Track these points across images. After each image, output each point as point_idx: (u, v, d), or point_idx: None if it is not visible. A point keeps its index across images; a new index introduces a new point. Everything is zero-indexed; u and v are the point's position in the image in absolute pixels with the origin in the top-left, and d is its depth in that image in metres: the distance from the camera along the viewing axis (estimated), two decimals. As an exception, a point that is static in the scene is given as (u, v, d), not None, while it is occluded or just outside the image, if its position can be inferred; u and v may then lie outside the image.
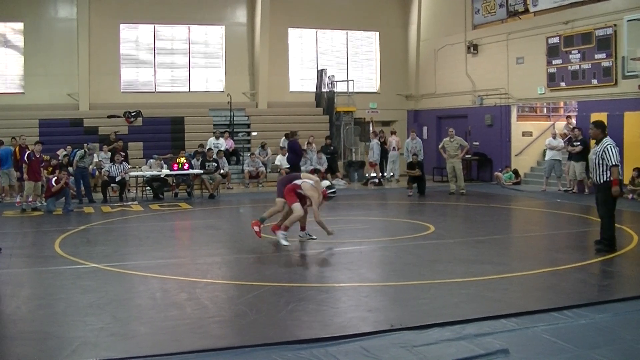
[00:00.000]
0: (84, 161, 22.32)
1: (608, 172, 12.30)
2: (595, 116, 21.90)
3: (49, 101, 28.68)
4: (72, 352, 7.08)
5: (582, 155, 22.49)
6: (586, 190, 22.65)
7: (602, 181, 12.43)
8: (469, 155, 27.58)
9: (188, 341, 7.45)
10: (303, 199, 13.76)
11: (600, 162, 12.40)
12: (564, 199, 21.99)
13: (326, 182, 14.63)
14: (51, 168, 22.35)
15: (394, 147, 29.38)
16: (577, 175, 23.03)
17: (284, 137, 29.04)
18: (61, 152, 24.74)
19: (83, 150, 22.58)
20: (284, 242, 13.49)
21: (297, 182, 13.81)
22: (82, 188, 22.34)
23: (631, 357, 6.87)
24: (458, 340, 7.39)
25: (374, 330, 7.75)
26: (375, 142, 28.89)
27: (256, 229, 13.90)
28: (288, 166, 25.29)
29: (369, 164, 29.02)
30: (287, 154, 26.15)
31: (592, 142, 15.27)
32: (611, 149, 12.34)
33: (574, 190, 23.45)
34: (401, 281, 10.36)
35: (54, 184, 20.12)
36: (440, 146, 24.81)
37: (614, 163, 12.28)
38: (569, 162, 23.79)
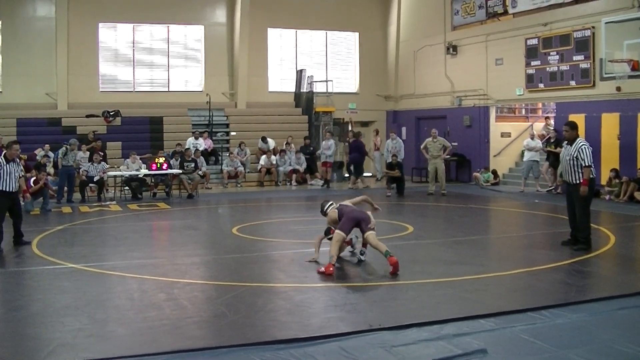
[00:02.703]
0: (67, 159, 22.21)
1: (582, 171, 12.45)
2: (573, 117, 22.01)
3: (26, 100, 28.50)
4: (50, 353, 7.04)
5: None
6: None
7: (577, 181, 12.61)
8: (448, 156, 27.64)
9: (166, 342, 7.43)
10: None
11: (575, 162, 12.57)
12: (542, 199, 22.10)
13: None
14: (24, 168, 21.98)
15: (377, 148, 29.48)
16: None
17: (260, 140, 29.15)
18: (39, 152, 24.58)
19: (64, 147, 22.44)
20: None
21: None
22: (66, 188, 22.28)
23: (608, 356, 6.90)
24: (436, 340, 7.42)
25: (353, 330, 7.75)
26: (331, 142, 28.20)
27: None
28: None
29: (322, 164, 28.21)
30: (351, 153, 26.83)
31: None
32: (586, 149, 12.48)
33: (558, 191, 23.44)
34: (379, 282, 10.37)
35: (32, 185, 19.97)
36: (422, 146, 24.76)
37: (587, 164, 12.42)
38: (546, 163, 23.93)
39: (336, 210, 11.81)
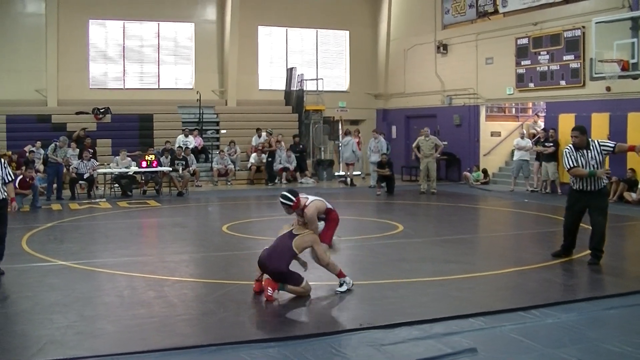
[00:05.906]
0: (56, 156, 22.11)
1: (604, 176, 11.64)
2: (563, 117, 22.10)
3: (16, 97, 28.33)
4: (39, 350, 7.02)
5: (553, 156, 22.67)
6: (559, 191, 22.72)
7: (600, 187, 11.59)
8: (438, 155, 27.64)
9: (155, 339, 7.42)
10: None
11: (599, 167, 11.46)
12: (531, 199, 22.13)
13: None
14: (15, 164, 21.90)
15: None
16: (550, 176, 23.13)
17: (255, 136, 29.05)
18: (28, 149, 24.48)
19: (53, 144, 22.34)
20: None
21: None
22: (55, 185, 22.17)
23: (597, 355, 6.92)
24: (426, 339, 7.43)
25: (343, 329, 7.76)
26: (351, 140, 27.75)
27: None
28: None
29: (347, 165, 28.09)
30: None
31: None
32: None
33: (547, 191, 23.43)
34: (369, 280, 10.37)
35: (17, 186, 19.20)
36: (414, 145, 24.74)
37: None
38: (536, 162, 23.95)
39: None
